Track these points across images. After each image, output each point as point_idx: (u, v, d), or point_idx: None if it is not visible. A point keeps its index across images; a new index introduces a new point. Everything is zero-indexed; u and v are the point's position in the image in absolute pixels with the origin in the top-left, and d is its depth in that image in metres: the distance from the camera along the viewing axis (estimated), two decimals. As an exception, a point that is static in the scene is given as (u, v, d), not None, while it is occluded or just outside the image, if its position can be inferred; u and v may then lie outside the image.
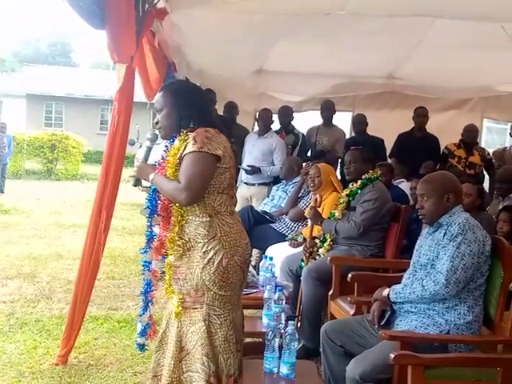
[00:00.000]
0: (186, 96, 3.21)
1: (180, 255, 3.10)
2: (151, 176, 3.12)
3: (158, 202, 3.15)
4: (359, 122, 8.05)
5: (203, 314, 3.09)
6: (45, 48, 57.36)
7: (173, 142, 3.19)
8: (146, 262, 3.25)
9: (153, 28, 4.57)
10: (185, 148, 3.04)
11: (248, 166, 7.36)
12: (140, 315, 3.33)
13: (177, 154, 3.07)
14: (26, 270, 7.29)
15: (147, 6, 4.01)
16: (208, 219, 3.08)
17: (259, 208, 7.02)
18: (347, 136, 8.57)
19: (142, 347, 3.40)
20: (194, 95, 3.26)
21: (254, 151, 7.54)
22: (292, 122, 8.18)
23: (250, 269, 4.66)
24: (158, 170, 3.13)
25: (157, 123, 3.26)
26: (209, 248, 3.05)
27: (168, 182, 3.05)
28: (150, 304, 3.32)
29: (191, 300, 3.11)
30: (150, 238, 3.21)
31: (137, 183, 3.34)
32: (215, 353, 3.10)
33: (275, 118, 8.05)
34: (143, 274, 3.29)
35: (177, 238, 3.08)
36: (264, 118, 7.68)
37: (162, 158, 3.21)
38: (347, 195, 5.22)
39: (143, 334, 3.34)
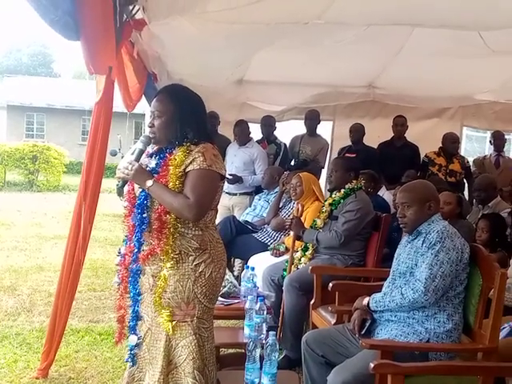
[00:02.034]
0: (192, 107, 3.14)
1: (169, 267, 3.05)
2: (149, 183, 3.00)
3: (152, 210, 3.06)
4: (355, 131, 7.97)
5: (194, 327, 3.07)
6: (26, 59, 57.12)
7: (170, 151, 3.12)
8: (137, 270, 3.12)
9: (131, 38, 4.56)
10: (191, 162, 2.99)
11: (229, 175, 7.36)
12: (131, 326, 3.20)
13: (180, 165, 3.00)
14: (6, 282, 7.22)
15: (125, 16, 4.00)
16: (200, 233, 3.06)
17: (241, 218, 7.02)
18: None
19: (133, 359, 3.23)
20: (198, 106, 3.19)
21: (235, 161, 7.55)
22: (274, 132, 8.18)
23: (232, 279, 4.66)
24: (157, 179, 3.04)
25: (151, 127, 3.14)
26: (200, 261, 3.05)
27: (174, 196, 2.97)
28: (140, 314, 3.20)
29: (182, 313, 3.07)
30: (140, 245, 3.10)
31: (121, 191, 3.22)
32: (202, 366, 3.08)
33: (257, 127, 8.08)
34: (134, 281, 3.15)
35: (170, 251, 3.03)
36: (238, 132, 7.67)
37: (157, 165, 3.11)
38: (330, 204, 5.23)
39: (138, 345, 3.20)
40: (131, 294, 3.19)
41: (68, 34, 3.35)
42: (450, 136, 7.78)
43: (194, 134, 3.09)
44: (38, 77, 44.67)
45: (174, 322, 3.05)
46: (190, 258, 3.05)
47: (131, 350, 3.22)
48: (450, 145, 7.71)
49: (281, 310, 5.15)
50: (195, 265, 3.04)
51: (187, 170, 3.00)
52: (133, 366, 3.25)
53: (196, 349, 3.06)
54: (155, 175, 3.06)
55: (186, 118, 3.10)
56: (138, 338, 3.20)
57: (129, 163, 3.08)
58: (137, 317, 3.20)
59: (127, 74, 4.91)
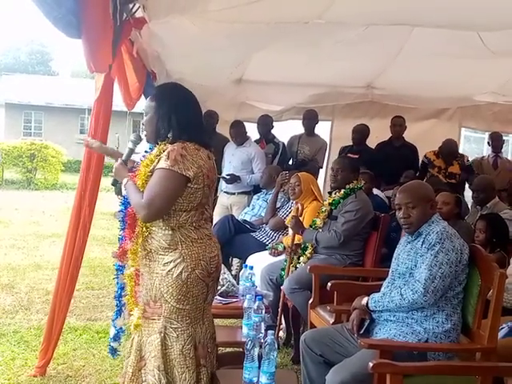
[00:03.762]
0: (170, 104, 3.13)
1: (143, 264, 3.10)
2: (124, 181, 3.09)
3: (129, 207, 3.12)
4: (357, 132, 7.93)
5: (159, 326, 3.08)
6: (24, 57, 57.01)
7: (152, 150, 3.17)
8: (119, 265, 3.23)
9: (131, 37, 4.56)
10: (158, 161, 3.01)
11: (227, 175, 7.36)
12: (113, 319, 3.31)
13: (149, 165, 3.04)
14: (4, 280, 7.22)
15: (125, 15, 4.00)
16: (170, 232, 3.05)
17: (239, 217, 7.02)
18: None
19: (114, 352, 3.37)
20: (183, 105, 3.15)
21: (233, 160, 7.54)
22: (272, 132, 8.18)
23: (230, 278, 4.66)
24: (131, 177, 3.09)
25: (143, 125, 3.23)
26: (169, 260, 3.04)
27: (135, 194, 3.01)
28: (123, 308, 3.29)
29: (150, 311, 3.10)
30: (122, 242, 3.18)
31: (119, 190, 3.28)
32: (170, 366, 3.08)
33: (256, 126, 8.07)
34: (117, 277, 3.27)
35: (139, 250, 3.06)
36: (234, 133, 7.65)
37: (137, 165, 3.18)
38: (329, 204, 5.23)
39: (116, 338, 3.32)
40: (116, 288, 3.29)
41: (70, 32, 3.35)
42: (448, 145, 7.75)
43: (174, 132, 3.09)
44: (36, 75, 44.58)
45: (140, 320, 3.09)
46: (160, 256, 3.06)
47: (110, 342, 3.35)
48: (447, 155, 7.71)
49: (279, 309, 5.16)
50: (164, 264, 3.04)
51: (155, 169, 3.02)
52: (113, 357, 3.42)
53: (158, 347, 3.06)
54: (131, 174, 3.14)
55: (163, 115, 3.11)
56: (118, 331, 3.29)
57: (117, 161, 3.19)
58: (119, 310, 3.29)
59: (127, 73, 4.91)
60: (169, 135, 3.10)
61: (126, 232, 3.10)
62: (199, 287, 3.10)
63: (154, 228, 3.06)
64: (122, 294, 3.26)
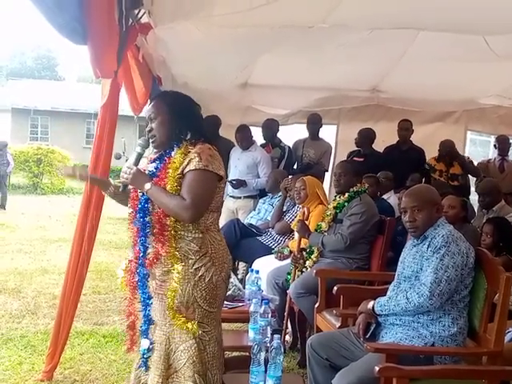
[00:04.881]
0: (183, 106, 3.18)
1: (167, 270, 3.06)
2: (147, 186, 3.02)
3: (153, 212, 3.07)
4: (360, 136, 7.91)
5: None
6: (30, 62, 57.28)
7: (169, 154, 3.14)
8: (145, 274, 3.12)
9: (137, 42, 4.57)
10: (188, 163, 3.00)
11: (233, 179, 7.36)
12: (143, 330, 3.17)
13: (178, 168, 3.02)
14: (10, 285, 7.24)
15: (131, 20, 4.02)
16: (200, 236, 3.05)
17: (245, 221, 7.02)
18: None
19: (146, 364, 3.20)
20: (190, 107, 3.22)
21: (238, 165, 7.54)
22: (278, 135, 8.19)
23: (236, 282, 4.66)
24: (156, 182, 3.05)
25: (149, 131, 3.18)
26: (200, 265, 3.03)
27: (171, 197, 2.98)
28: (151, 317, 3.17)
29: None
30: (145, 249, 3.10)
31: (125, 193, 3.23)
32: (204, 369, 3.07)
33: (259, 131, 8.07)
34: (143, 286, 3.13)
35: (176, 253, 3.03)
36: (240, 138, 7.65)
37: (156, 169, 3.14)
38: (334, 208, 5.23)
39: (149, 350, 3.15)
40: (141, 298, 3.17)
41: (75, 39, 3.36)
42: (445, 145, 7.74)
43: (191, 133, 3.12)
44: (42, 80, 44.72)
45: (196, 321, 3.03)
46: (190, 261, 3.04)
47: (143, 354, 3.18)
48: (446, 155, 7.71)
49: (285, 314, 5.16)
50: (195, 268, 3.03)
51: (185, 171, 3.01)
52: (146, 371, 3.19)
53: (196, 353, 3.05)
54: (154, 178, 3.08)
55: (180, 116, 3.13)
56: (151, 343, 3.17)
57: (128, 167, 3.12)
58: (149, 320, 3.17)
59: (134, 78, 4.93)
60: (186, 137, 3.11)
61: (157, 237, 3.05)
62: (223, 290, 3.16)
63: (183, 232, 3.04)
64: (150, 303, 3.15)
